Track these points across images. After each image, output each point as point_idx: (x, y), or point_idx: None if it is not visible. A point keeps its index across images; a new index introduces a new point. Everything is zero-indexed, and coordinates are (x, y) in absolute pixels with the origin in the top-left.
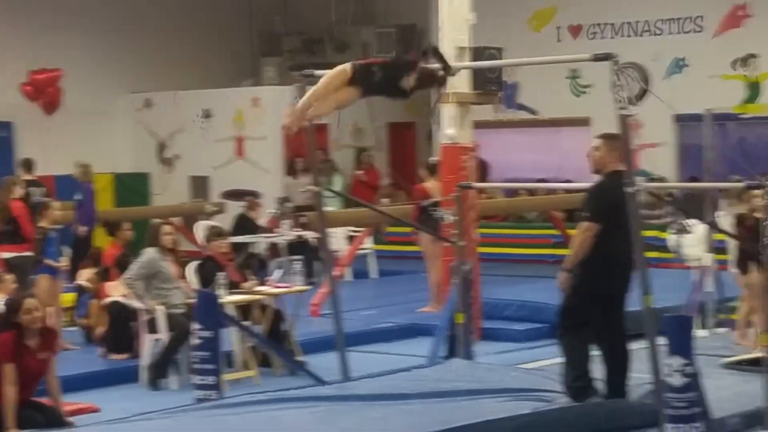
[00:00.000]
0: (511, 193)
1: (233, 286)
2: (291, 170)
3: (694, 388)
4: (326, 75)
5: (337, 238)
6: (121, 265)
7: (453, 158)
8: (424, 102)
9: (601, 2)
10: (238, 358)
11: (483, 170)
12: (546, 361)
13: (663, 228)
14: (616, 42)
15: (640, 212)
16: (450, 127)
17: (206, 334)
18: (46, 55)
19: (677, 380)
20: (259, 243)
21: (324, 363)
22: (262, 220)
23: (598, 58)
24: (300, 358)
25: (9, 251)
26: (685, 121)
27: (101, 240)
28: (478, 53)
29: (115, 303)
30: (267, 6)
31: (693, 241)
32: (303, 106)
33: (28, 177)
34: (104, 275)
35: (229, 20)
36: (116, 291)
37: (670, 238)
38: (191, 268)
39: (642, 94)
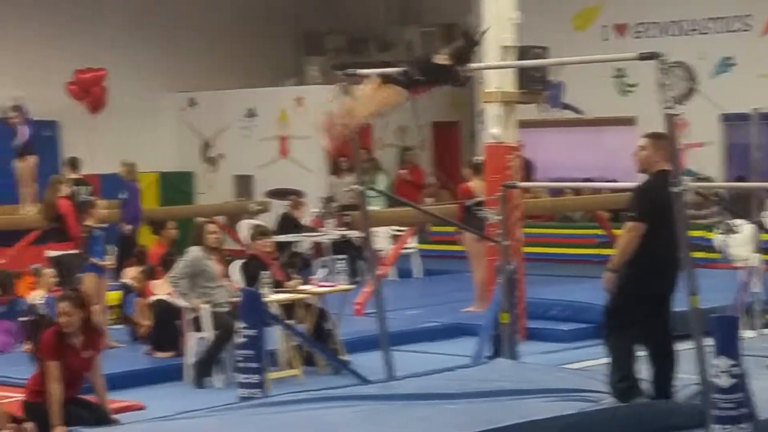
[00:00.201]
0: (556, 192)
1: (277, 285)
2: (335, 169)
3: (741, 389)
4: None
5: (381, 238)
6: (166, 263)
7: (497, 158)
8: (469, 101)
9: (647, 0)
10: (282, 357)
11: (528, 170)
12: (591, 361)
13: (709, 228)
14: (663, 41)
15: (686, 212)
16: (495, 126)
17: (250, 332)
18: (92, 55)
19: (724, 381)
20: (303, 242)
21: (368, 362)
22: (306, 220)
23: (644, 57)
24: (344, 357)
25: (55, 249)
26: (732, 120)
27: (146, 239)
28: (523, 52)
29: (160, 301)
30: (311, 5)
31: (740, 241)
32: (345, 111)
33: (74, 176)
34: (149, 274)
35: (274, 20)
36: (161, 289)
37: (717, 238)
38: (235, 267)
39: (689, 93)
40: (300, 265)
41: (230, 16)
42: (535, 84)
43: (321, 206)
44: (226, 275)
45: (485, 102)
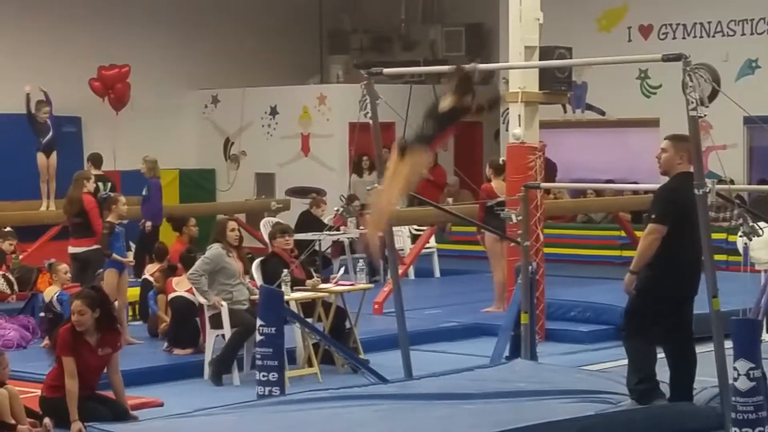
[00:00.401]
0: (578, 193)
1: (297, 283)
2: (357, 168)
3: (760, 392)
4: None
5: (402, 237)
6: (186, 261)
7: (519, 158)
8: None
9: (672, 2)
10: (300, 355)
11: (550, 171)
12: (611, 363)
13: (732, 231)
14: (687, 43)
15: (708, 214)
16: (517, 126)
17: (269, 330)
18: (115, 52)
19: (744, 384)
20: (324, 240)
21: (386, 361)
22: (328, 218)
23: (668, 59)
24: (362, 356)
25: (77, 245)
26: (755, 123)
27: (166, 236)
28: (547, 53)
29: (179, 298)
30: (335, 4)
31: (762, 244)
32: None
33: (96, 172)
34: (170, 271)
35: (297, 18)
36: (181, 286)
37: (739, 240)
38: (255, 265)
39: (712, 95)
40: (320, 263)
41: (254, 13)
42: (558, 85)
43: (343, 205)
44: (246, 273)
45: (508, 102)
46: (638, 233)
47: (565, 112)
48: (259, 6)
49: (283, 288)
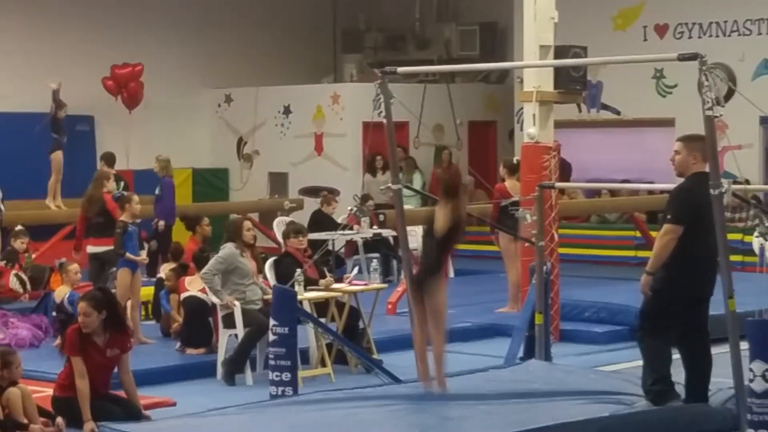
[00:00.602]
0: (593, 193)
1: (310, 283)
2: (370, 167)
3: None
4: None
5: (416, 236)
6: (199, 260)
7: (534, 158)
8: (507, 101)
9: (688, 1)
10: (313, 355)
11: (565, 170)
12: (626, 364)
13: (747, 231)
14: (703, 42)
15: (724, 215)
16: (532, 126)
17: (282, 330)
18: (128, 50)
19: (759, 385)
20: (337, 240)
21: (400, 362)
22: (341, 218)
23: (684, 58)
24: (376, 356)
25: (98, 245)
26: None
27: (179, 235)
28: (562, 52)
29: (192, 298)
30: (349, 3)
31: None
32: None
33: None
34: (182, 270)
35: (311, 17)
36: (194, 286)
37: (755, 241)
38: (268, 264)
39: (728, 95)
40: (333, 263)
41: (267, 12)
42: (573, 84)
43: (356, 204)
44: (260, 272)
45: (523, 101)
46: (653, 233)
47: (580, 111)
48: (273, 5)
49: (297, 288)
